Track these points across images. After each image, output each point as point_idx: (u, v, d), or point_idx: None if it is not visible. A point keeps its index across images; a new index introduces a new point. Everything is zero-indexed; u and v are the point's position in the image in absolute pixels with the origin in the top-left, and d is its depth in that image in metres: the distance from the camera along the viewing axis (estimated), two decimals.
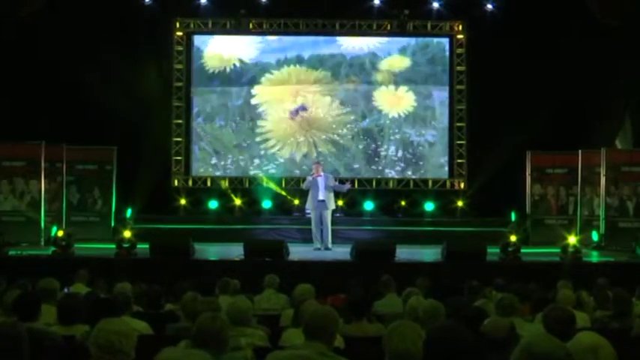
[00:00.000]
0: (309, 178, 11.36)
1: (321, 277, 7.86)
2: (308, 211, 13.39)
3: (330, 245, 11.19)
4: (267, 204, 13.93)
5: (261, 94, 14.60)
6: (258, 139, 14.56)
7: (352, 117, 14.62)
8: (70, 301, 4.64)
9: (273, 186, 14.12)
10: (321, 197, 11.14)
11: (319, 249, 11.15)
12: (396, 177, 14.55)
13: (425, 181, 14.55)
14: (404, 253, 9.91)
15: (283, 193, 14.09)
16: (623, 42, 12.43)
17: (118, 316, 4.15)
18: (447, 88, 14.61)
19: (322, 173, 11.40)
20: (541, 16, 13.21)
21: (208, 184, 14.56)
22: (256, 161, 14.54)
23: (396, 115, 14.58)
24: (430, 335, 2.76)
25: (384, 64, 14.59)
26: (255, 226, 13.13)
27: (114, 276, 7.20)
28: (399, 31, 14.40)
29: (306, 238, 12.50)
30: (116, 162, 13.19)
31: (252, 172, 14.52)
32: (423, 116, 14.63)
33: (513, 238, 10.11)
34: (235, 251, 10.01)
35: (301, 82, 14.57)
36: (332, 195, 11.38)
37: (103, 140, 13.11)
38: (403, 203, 14.06)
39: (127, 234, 10.04)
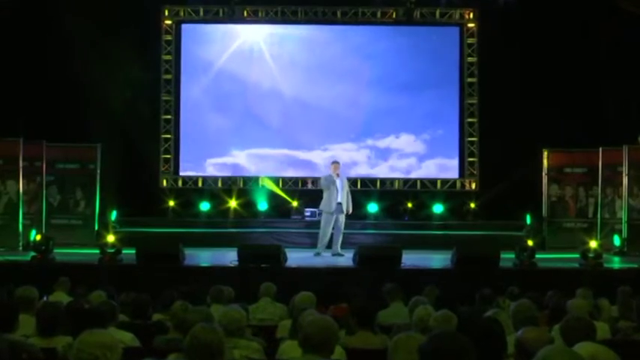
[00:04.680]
0: (331, 176, 11.22)
1: (322, 284, 7.85)
2: (307, 213, 13.42)
3: (340, 250, 11.16)
4: (263, 206, 13.92)
5: None
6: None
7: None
8: (50, 311, 4.63)
9: (270, 186, 14.12)
10: (339, 199, 11.13)
11: (319, 254, 11.12)
12: (402, 177, 14.55)
13: (433, 182, 14.54)
14: (411, 259, 9.90)
15: (281, 193, 14.09)
16: None
17: (102, 327, 4.15)
18: (457, 80, 14.60)
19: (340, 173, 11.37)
20: (558, 4, 13.21)
21: (199, 184, 14.56)
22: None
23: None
24: (425, 345, 2.73)
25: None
26: (250, 230, 13.13)
27: (97, 284, 7.18)
28: (405, 20, 14.39)
29: (306, 243, 12.52)
30: (100, 161, 13.19)
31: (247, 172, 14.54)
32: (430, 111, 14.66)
33: (529, 242, 10.10)
34: (229, 257, 10.00)
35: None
36: (349, 198, 11.36)
37: (85, 137, 13.10)
38: (410, 205, 14.05)
39: (112, 238, 10.04)
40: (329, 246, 11.29)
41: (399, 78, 14.45)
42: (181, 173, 14.61)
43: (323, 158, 14.35)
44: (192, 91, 14.64)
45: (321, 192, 11.53)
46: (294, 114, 14.48)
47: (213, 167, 14.61)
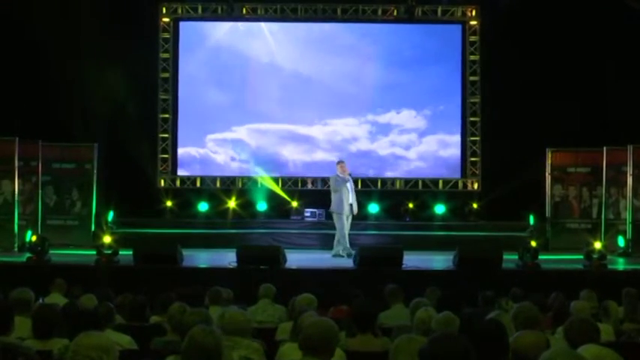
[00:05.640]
0: (342, 177, 11.17)
1: (322, 286, 7.84)
2: (307, 214, 13.42)
3: (341, 252, 11.11)
4: (262, 206, 13.91)
5: None
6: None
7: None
8: (46, 313, 4.63)
9: (270, 185, 14.12)
10: (351, 200, 11.14)
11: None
12: (404, 177, 14.55)
13: (435, 182, 14.54)
14: (412, 260, 9.89)
15: (281, 192, 14.08)
16: None
17: (99, 330, 4.15)
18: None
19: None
20: (562, 0, 13.20)
21: (197, 184, 14.55)
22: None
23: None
24: (426, 347, 2.72)
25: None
26: (249, 231, 13.12)
27: (94, 285, 7.18)
28: (407, 18, 14.40)
29: (305, 244, 12.53)
30: (97, 160, 13.17)
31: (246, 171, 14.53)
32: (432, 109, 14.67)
33: (532, 243, 10.10)
34: (227, 258, 10.00)
35: None
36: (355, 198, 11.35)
37: (82, 137, 13.09)
38: (411, 206, 14.05)
39: (109, 239, 10.02)
40: (331, 247, 11.30)
41: (401, 53, 14.54)
42: (180, 149, 14.57)
43: (324, 133, 14.49)
44: (189, 67, 14.63)
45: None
46: (294, 89, 14.50)
47: (213, 143, 14.60)
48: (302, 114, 14.51)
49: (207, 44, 14.66)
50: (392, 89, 14.50)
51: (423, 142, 14.61)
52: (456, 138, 14.61)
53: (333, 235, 11.42)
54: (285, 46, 14.59)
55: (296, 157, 14.53)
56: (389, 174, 14.60)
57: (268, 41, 14.60)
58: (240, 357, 4.05)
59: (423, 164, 14.58)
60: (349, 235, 11.36)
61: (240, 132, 14.53)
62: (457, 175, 14.61)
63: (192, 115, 14.60)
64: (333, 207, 11.23)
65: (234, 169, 14.59)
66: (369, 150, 14.60)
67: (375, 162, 14.56)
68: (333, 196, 11.22)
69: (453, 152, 14.61)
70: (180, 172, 14.60)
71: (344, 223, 11.09)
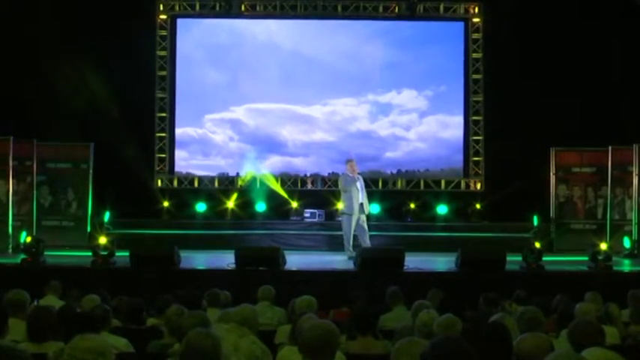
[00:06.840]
0: (351, 177, 11.16)
1: (322, 288, 7.85)
2: (307, 215, 13.43)
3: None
4: (261, 206, 13.91)
5: None
6: None
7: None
8: (41, 316, 4.63)
9: (269, 185, 14.11)
10: (361, 199, 11.13)
11: (352, 257, 11.03)
12: (405, 177, 14.56)
13: (437, 182, 14.54)
14: (414, 261, 9.88)
15: (281, 192, 14.07)
16: None
17: (95, 332, 4.15)
18: (462, 76, 14.61)
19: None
20: None
21: (195, 184, 14.56)
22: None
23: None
24: (427, 351, 2.72)
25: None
26: (247, 232, 13.12)
27: (90, 287, 7.18)
28: (408, 15, 14.42)
29: (305, 245, 12.52)
30: (93, 160, 13.18)
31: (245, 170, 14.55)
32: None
33: (536, 244, 10.09)
34: (226, 259, 9.99)
35: None
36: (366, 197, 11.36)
37: (78, 136, 13.09)
38: (413, 206, 14.05)
39: (105, 240, 10.00)
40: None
41: (402, 32, 14.59)
42: (178, 130, 14.63)
43: (323, 113, 14.56)
44: (186, 47, 14.67)
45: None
46: (293, 68, 14.54)
47: (211, 123, 14.64)
48: (301, 94, 14.54)
49: (204, 24, 14.78)
50: (393, 69, 14.56)
51: (424, 122, 14.66)
52: (457, 119, 14.64)
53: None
54: (285, 26, 14.69)
55: (295, 137, 14.59)
56: (389, 154, 14.63)
57: (267, 20, 14.68)
58: (242, 355, 4.06)
59: (424, 145, 14.61)
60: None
61: (239, 112, 14.60)
62: (457, 156, 14.62)
63: (190, 94, 14.64)
64: (343, 208, 11.22)
65: (232, 149, 14.62)
66: (368, 130, 14.66)
67: (375, 142, 14.61)
68: (343, 196, 11.23)
69: (454, 133, 14.64)
70: (178, 152, 14.62)
71: (351, 225, 11.06)
